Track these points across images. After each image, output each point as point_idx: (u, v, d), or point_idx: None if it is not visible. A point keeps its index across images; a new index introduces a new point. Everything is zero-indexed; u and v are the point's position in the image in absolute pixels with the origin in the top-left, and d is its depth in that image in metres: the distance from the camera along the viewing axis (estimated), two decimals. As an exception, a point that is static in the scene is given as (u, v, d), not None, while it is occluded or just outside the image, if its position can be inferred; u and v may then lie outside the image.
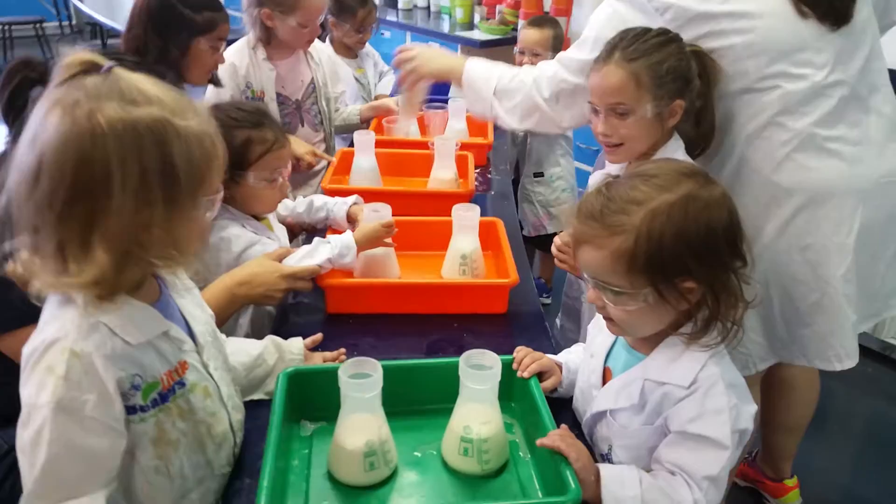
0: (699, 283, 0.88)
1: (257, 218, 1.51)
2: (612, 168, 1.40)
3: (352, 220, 1.60)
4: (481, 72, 1.68)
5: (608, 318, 0.97)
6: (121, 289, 0.80)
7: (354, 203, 1.62)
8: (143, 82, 0.79)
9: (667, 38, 1.28)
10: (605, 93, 1.30)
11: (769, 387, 1.78)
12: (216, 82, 1.97)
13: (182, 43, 1.73)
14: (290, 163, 1.50)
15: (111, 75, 0.78)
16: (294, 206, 1.67)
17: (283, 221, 1.64)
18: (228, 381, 1.03)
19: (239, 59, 2.11)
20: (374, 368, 0.96)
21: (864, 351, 2.57)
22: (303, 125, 2.26)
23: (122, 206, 0.74)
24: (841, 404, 2.50)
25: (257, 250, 1.39)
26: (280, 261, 1.33)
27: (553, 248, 1.38)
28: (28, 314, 0.84)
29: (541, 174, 2.66)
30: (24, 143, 0.76)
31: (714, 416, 0.89)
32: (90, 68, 0.78)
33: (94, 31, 6.45)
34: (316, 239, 1.41)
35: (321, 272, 1.35)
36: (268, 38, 2.12)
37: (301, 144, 2.08)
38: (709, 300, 0.90)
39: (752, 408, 0.94)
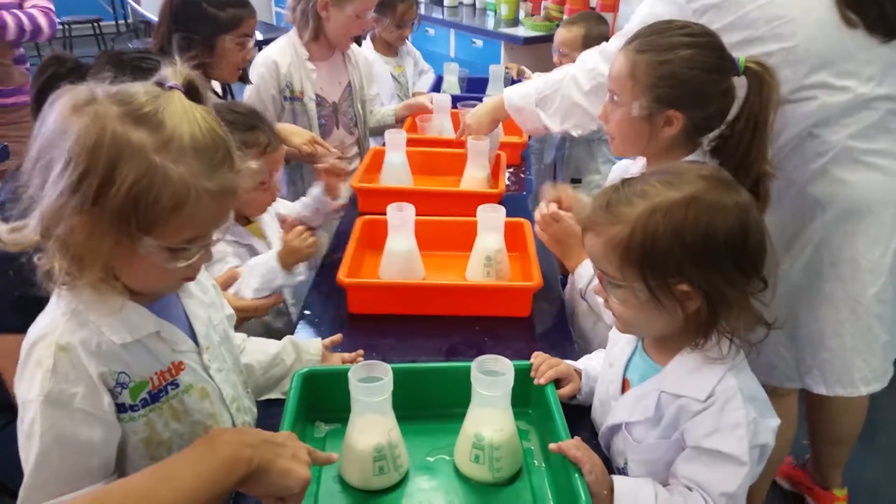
0: (693, 287, 0.85)
1: (248, 220, 1.50)
2: (632, 163, 1.36)
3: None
4: (519, 92, 1.77)
5: (611, 312, 0.96)
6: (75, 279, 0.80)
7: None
8: (179, 109, 0.78)
9: (691, 42, 1.16)
10: (610, 76, 1.27)
11: (810, 398, 1.71)
12: (245, 79, 2.00)
13: (207, 40, 1.75)
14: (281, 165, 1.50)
15: (163, 93, 0.79)
16: (292, 206, 1.68)
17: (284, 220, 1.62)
18: (235, 383, 1.03)
19: (281, 57, 2.13)
20: (384, 372, 0.95)
21: None
22: (338, 127, 2.27)
23: (52, 189, 0.75)
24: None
25: (217, 269, 1.36)
26: (226, 287, 1.30)
27: (536, 216, 1.39)
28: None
29: (579, 181, 2.60)
30: None
31: (731, 430, 0.85)
32: (158, 80, 0.81)
33: (148, 30, 6.64)
34: (245, 266, 1.37)
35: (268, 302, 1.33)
36: (316, 34, 2.12)
37: (299, 134, 2.03)
38: (704, 309, 0.86)
39: (773, 422, 0.90)
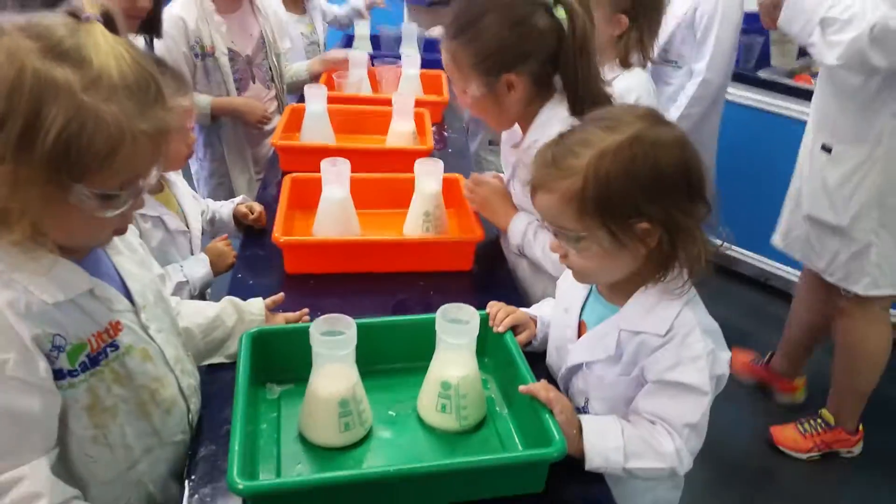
0: (652, 223, 0.87)
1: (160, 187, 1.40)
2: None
3: (238, 221, 1.54)
4: None
5: (571, 267, 0.96)
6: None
7: (241, 203, 1.56)
8: (105, 43, 0.71)
9: (489, 4, 1.18)
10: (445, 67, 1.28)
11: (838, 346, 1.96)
12: (152, 31, 1.84)
13: None
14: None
15: (82, 26, 0.71)
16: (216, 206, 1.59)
17: None
18: (176, 343, 0.97)
19: (187, 12, 1.99)
20: (347, 326, 0.91)
21: None
22: (254, 82, 2.16)
23: None
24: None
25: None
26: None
27: (464, 191, 1.41)
28: None
29: (496, 143, 2.62)
30: None
31: (692, 362, 0.89)
32: (71, 11, 0.72)
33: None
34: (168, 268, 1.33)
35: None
36: None
37: (251, 113, 2.02)
38: (664, 241, 0.88)
39: (727, 354, 0.94)
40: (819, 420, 2.10)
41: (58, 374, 0.77)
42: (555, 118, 1.23)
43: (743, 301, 2.83)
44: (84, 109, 0.69)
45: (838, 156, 1.77)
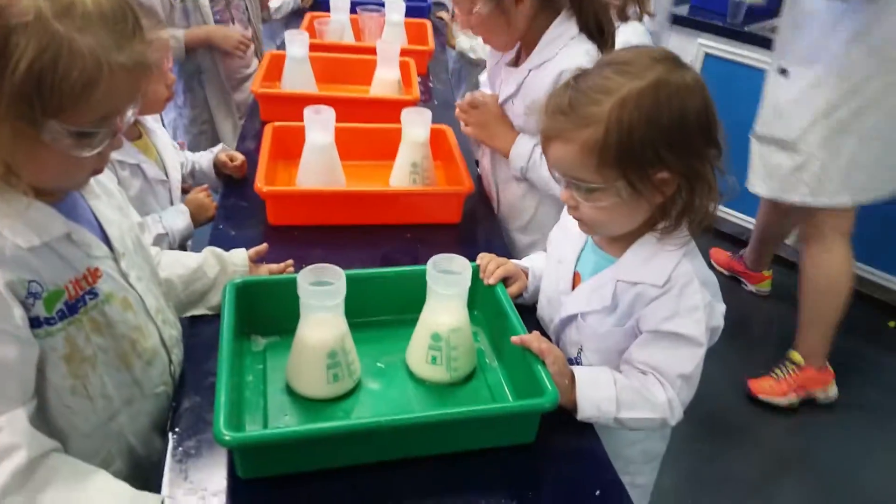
0: (673, 172, 0.84)
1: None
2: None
3: (219, 170, 1.50)
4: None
5: (580, 219, 0.93)
6: None
7: (220, 151, 1.52)
8: None
9: None
10: None
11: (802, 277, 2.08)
12: None
13: None
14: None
15: None
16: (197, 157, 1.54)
17: None
18: (157, 293, 0.94)
19: None
20: (336, 276, 0.89)
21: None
22: (233, 23, 2.10)
23: None
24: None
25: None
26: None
27: (456, 112, 1.37)
28: None
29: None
30: None
31: (689, 313, 0.88)
32: None
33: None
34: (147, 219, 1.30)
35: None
36: None
37: (227, 40, 1.96)
38: (684, 191, 0.86)
39: (722, 306, 0.93)
40: (788, 363, 2.16)
41: (34, 322, 0.74)
42: (565, 34, 1.24)
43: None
44: (57, 39, 0.64)
45: (793, 76, 1.88)
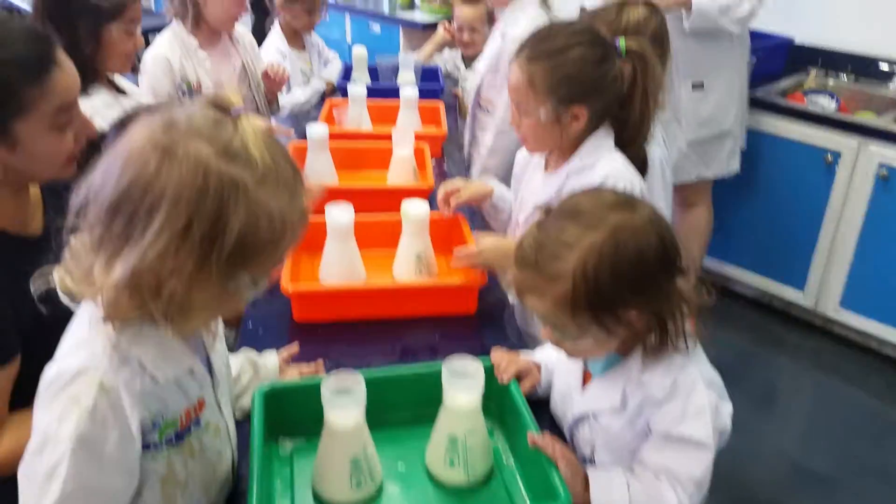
0: (640, 309, 0.90)
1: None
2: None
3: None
4: None
5: (566, 353, 0.98)
6: (131, 316, 0.74)
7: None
8: (256, 137, 0.74)
9: (577, 41, 1.26)
10: (509, 89, 1.33)
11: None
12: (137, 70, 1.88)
13: (91, 34, 1.57)
14: None
15: (231, 120, 0.74)
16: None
17: None
18: (232, 415, 0.98)
19: (171, 52, 2.02)
20: (357, 382, 0.94)
21: (808, 326, 2.73)
22: None
23: (153, 241, 0.69)
24: (788, 380, 2.63)
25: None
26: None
27: (466, 262, 1.39)
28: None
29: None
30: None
31: (696, 417, 0.91)
32: (219, 104, 0.75)
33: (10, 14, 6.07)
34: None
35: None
36: (197, 21, 2.03)
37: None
38: (655, 324, 0.91)
39: (729, 406, 0.97)
40: None
41: (144, 446, 0.79)
42: (605, 144, 1.32)
43: (743, 322, 2.85)
44: (258, 206, 0.71)
45: (709, 86, 2.45)
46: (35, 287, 0.75)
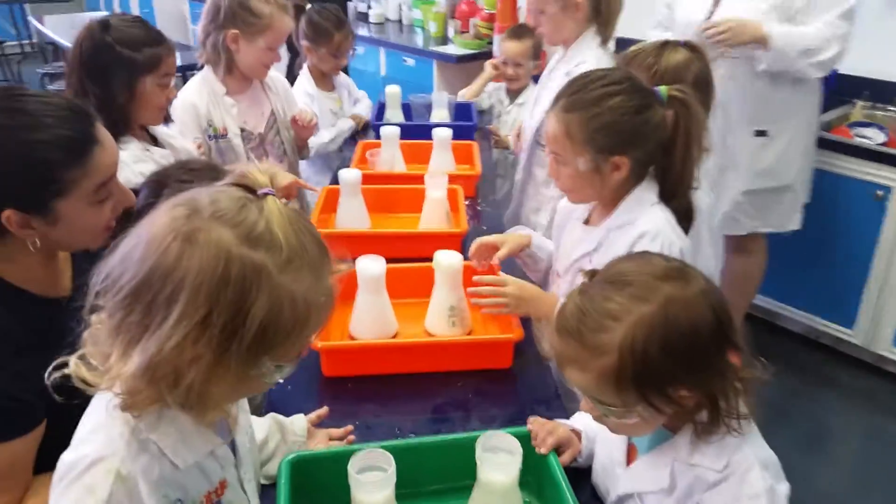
0: (692, 390, 0.83)
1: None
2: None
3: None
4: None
5: (609, 429, 0.92)
6: (149, 407, 0.71)
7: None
8: (281, 218, 0.71)
9: (615, 90, 1.21)
10: (546, 139, 1.29)
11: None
12: (169, 120, 1.89)
13: (125, 86, 1.58)
14: None
15: (256, 202, 0.71)
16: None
17: None
18: (256, 491, 0.94)
19: (198, 97, 2.03)
20: (386, 462, 0.89)
21: (860, 364, 2.63)
22: (267, 158, 2.18)
23: (171, 331, 0.66)
24: (839, 420, 2.51)
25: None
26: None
27: (471, 256, 1.38)
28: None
29: None
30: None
31: (751, 501, 0.84)
32: (245, 184, 0.73)
33: (57, 54, 6.25)
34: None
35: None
36: (229, 67, 2.04)
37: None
38: (706, 402, 0.85)
39: (785, 486, 0.89)
40: None
41: None
42: (644, 202, 1.27)
43: (791, 360, 2.74)
44: (281, 291, 0.69)
45: (775, 134, 2.29)
46: (50, 379, 0.72)
